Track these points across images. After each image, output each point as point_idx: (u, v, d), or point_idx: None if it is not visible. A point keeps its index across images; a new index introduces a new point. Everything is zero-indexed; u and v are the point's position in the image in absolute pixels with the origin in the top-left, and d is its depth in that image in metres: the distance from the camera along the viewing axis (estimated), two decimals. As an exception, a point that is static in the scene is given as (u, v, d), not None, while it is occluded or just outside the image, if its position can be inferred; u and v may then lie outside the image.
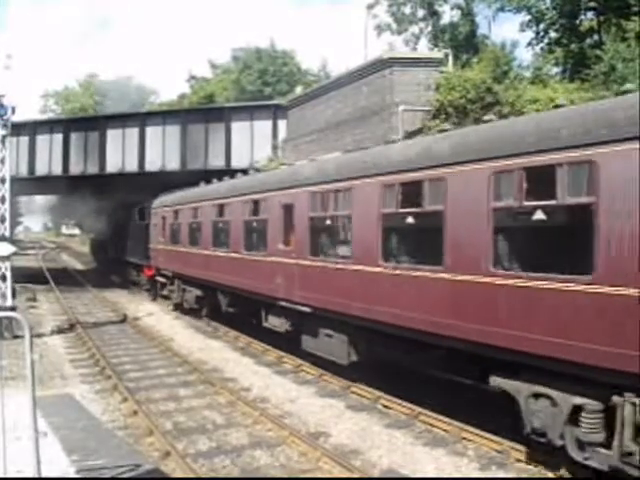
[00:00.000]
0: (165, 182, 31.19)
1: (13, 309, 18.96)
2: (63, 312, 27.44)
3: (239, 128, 33.21)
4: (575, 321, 8.12)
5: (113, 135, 35.11)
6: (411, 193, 11.21)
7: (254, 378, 15.61)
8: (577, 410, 8.42)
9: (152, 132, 34.65)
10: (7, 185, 20.79)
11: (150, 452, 10.36)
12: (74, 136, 35.74)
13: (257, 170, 25.54)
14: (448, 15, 41.32)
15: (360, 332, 13.31)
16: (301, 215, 15.06)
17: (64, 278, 43.72)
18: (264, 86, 56.94)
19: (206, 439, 11.13)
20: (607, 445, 8.09)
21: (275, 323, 17.19)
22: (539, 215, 8.76)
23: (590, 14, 28.76)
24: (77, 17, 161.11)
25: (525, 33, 31.70)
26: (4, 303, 20.13)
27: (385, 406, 12.81)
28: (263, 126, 32.92)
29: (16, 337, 17.87)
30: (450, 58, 24.85)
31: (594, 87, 21.06)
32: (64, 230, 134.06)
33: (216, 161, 33.30)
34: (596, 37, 27.44)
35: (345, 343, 13.85)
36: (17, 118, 23.70)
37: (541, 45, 30.81)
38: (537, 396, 9.01)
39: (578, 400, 8.38)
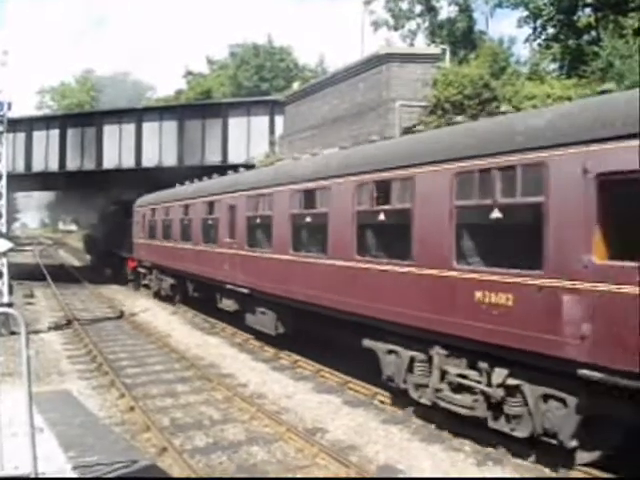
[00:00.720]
0: (162, 178, 31.20)
1: (10, 305, 18.94)
2: (60, 308, 27.40)
3: (236, 124, 33.14)
4: (405, 294, 11.17)
5: (110, 131, 35.02)
6: (309, 198, 14.80)
7: (251, 374, 15.61)
8: (412, 361, 11.44)
9: (149, 128, 34.56)
10: (4, 181, 20.77)
11: (147, 448, 10.37)
12: (71, 132, 35.64)
13: (253, 166, 25.61)
14: (446, 11, 41.33)
15: (285, 309, 16.44)
16: (241, 214, 18.65)
17: (61, 275, 43.68)
18: (261, 82, 56.92)
19: (203, 435, 11.13)
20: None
21: (227, 304, 20.55)
22: (382, 216, 11.96)
23: (588, 10, 28.72)
24: (74, 13, 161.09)
25: (523, 29, 31.68)
26: (1, 300, 20.13)
27: (382, 402, 12.82)
28: (260, 122, 32.87)
29: (13, 333, 17.87)
30: (447, 54, 24.83)
31: (591, 83, 21.03)
32: (61, 226, 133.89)
33: (213, 157, 33.25)
34: (594, 33, 27.39)
35: (274, 318, 17.11)
36: (13, 114, 23.67)
37: (538, 41, 30.78)
38: (390, 352, 12.04)
39: (412, 353, 11.44)
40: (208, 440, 10.90)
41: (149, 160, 34.35)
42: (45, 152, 35.61)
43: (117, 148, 34.78)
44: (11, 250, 21.14)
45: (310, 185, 14.65)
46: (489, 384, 9.74)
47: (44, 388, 13.36)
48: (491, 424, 9.92)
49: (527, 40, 31.23)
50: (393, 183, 11.73)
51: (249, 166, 27.08)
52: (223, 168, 25.79)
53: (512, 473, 9.32)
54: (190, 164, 33.14)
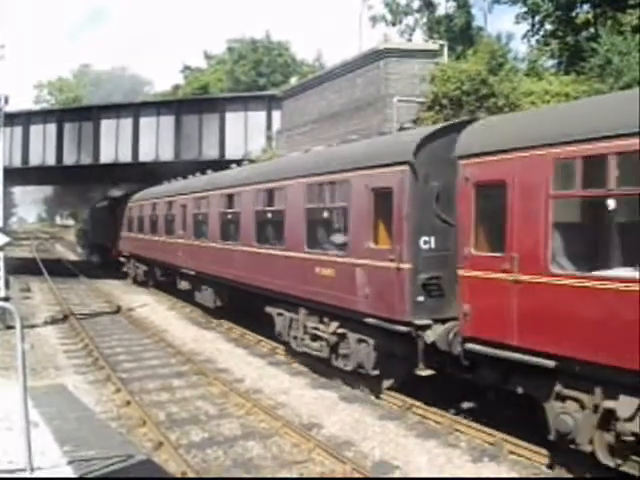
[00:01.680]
0: (159, 172, 31.19)
1: (6, 300, 18.90)
2: (57, 303, 27.37)
3: (233, 119, 33.05)
4: (284, 271, 15.36)
5: (107, 125, 34.88)
6: (229, 200, 19.66)
7: (247, 369, 15.63)
8: (291, 320, 15.59)
9: (146, 122, 34.44)
10: (0, 175, 20.68)
11: (143, 442, 10.35)
12: (68, 126, 35.48)
13: (252, 161, 25.65)
14: (444, 6, 41.16)
15: (220, 286, 21.01)
16: (189, 212, 23.79)
17: (58, 269, 43.59)
18: (258, 77, 56.79)
19: (199, 430, 11.14)
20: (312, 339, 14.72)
21: (183, 285, 25.15)
22: (269, 215, 16.77)
23: (586, 7, 28.64)
24: (72, 7, 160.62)
25: (521, 25, 31.61)
26: (-3, 294, 20.08)
27: (378, 398, 12.83)
28: (257, 117, 32.78)
29: (9, 328, 17.80)
30: (445, 50, 24.77)
31: (589, 80, 21.00)
32: (58, 221, 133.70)
33: (210, 152, 33.19)
34: (592, 30, 27.32)
35: (213, 294, 21.68)
36: (10, 108, 23.65)
37: (537, 37, 30.70)
38: (279, 314, 16.25)
39: (290, 314, 15.62)
40: (204, 435, 10.91)
41: (146, 155, 34.26)
42: (42, 146, 35.48)
43: (114, 143, 34.66)
44: (8, 244, 21.09)
45: (229, 191, 19.69)
46: (331, 333, 13.67)
47: (40, 382, 13.34)
48: (333, 363, 13.88)
49: (525, 36, 31.19)
50: (275, 191, 16.33)
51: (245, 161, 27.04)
52: (220, 163, 25.76)
53: (508, 470, 9.32)
54: (187, 159, 33.10)
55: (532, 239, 8.79)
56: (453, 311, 10.59)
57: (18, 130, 34.85)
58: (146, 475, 8.16)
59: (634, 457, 8.02)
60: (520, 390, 9.42)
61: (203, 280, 22.21)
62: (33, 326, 20.82)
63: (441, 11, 40.52)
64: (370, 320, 12.11)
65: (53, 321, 22.36)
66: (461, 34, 37.19)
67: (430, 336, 10.90)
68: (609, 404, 8.00)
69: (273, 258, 16.10)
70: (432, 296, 11.11)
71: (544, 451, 9.48)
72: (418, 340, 11.11)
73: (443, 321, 10.85)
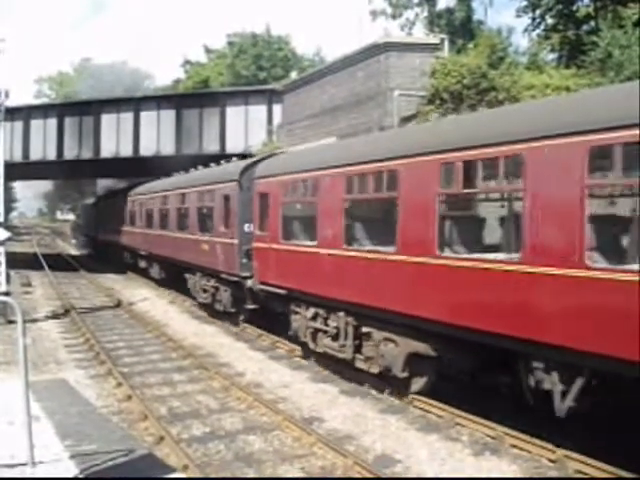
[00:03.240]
0: (159, 167, 31.16)
1: (7, 294, 18.91)
2: (57, 297, 27.39)
3: (234, 113, 32.96)
4: (189, 249, 23.46)
5: (107, 120, 34.83)
6: (165, 200, 27.68)
7: (248, 363, 15.64)
8: (195, 282, 23.02)
9: (146, 117, 34.41)
10: (1, 170, 20.67)
11: (144, 437, 10.36)
12: (68, 121, 35.43)
13: (251, 155, 25.69)
14: (444, 0, 41.05)
15: (163, 263, 28.49)
16: (145, 208, 31.51)
17: (58, 263, 43.60)
18: (259, 71, 56.69)
19: (200, 424, 11.15)
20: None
21: (141, 264, 32.50)
22: (182, 210, 25.04)
23: (587, 0, 28.58)
24: (73, 2, 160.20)
25: (521, 19, 31.56)
26: (-2, 289, 20.08)
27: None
28: (258, 111, 32.69)
29: (10, 322, 17.86)
30: (446, 43, 24.68)
31: (590, 74, 20.93)
32: (59, 215, 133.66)
33: (211, 146, 33.14)
34: (593, 23, 27.23)
35: (159, 269, 29.52)
36: (11, 103, 23.61)
37: (537, 31, 30.64)
38: (190, 278, 23.56)
39: (195, 278, 23.12)
40: (205, 429, 10.93)
41: (147, 149, 34.22)
42: (43, 141, 35.44)
43: (115, 137, 34.63)
44: (9, 239, 21.08)
45: (164, 194, 27.91)
46: (211, 287, 21.26)
47: (41, 377, 13.35)
48: (215, 307, 21.16)
49: (526, 30, 31.13)
50: (185, 195, 24.58)
51: (246, 155, 27.02)
52: (221, 157, 25.72)
53: (509, 463, 9.32)
54: (188, 153, 33.04)
55: (274, 225, 15.78)
56: None
57: (19, 125, 34.82)
58: (147, 469, 8.16)
59: (319, 341, 14.17)
60: (280, 310, 16.21)
61: (153, 259, 30.18)
62: (34, 320, 20.85)
63: (442, 5, 40.47)
64: (223, 275, 19.60)
65: (54, 315, 22.40)
66: (462, 28, 37.12)
67: (249, 283, 17.68)
68: (305, 312, 14.58)
69: (184, 240, 24.00)
70: (250, 259, 17.54)
71: (544, 444, 9.50)
72: (244, 287, 18.13)
73: None
